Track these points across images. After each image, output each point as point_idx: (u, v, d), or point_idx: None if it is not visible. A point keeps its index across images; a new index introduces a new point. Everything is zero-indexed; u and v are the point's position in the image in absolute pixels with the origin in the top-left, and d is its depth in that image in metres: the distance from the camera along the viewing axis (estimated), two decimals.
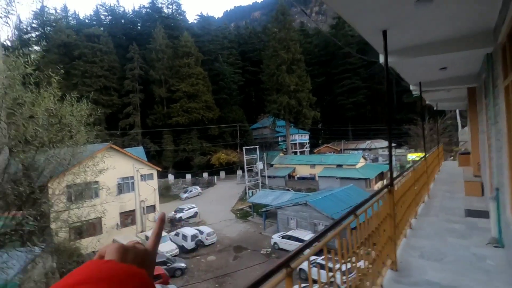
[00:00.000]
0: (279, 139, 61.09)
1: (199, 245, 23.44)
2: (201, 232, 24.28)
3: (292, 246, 21.08)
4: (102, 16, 68.84)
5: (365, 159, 42.67)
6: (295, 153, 56.74)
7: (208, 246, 23.75)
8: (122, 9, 72.39)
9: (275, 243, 22.35)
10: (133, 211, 26.13)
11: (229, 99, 60.06)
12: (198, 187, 43.23)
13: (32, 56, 7.39)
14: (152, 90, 53.84)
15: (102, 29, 59.11)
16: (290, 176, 44.57)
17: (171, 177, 47.15)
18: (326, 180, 37.75)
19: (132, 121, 52.24)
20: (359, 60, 64.03)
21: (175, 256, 21.37)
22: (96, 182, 20.49)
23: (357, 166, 38.33)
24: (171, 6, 68.79)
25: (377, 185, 37.94)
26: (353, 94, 62.88)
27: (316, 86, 60.49)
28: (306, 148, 61.57)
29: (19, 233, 7.78)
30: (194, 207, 32.45)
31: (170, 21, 65.50)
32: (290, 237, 21.56)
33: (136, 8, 74.68)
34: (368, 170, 37.59)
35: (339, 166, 40.03)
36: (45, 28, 57.13)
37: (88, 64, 50.32)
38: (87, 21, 66.62)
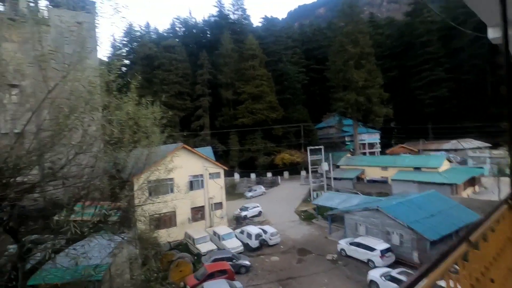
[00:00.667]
0: (346, 139, 57.75)
1: (263, 244, 23.59)
2: (265, 232, 24.41)
3: (362, 254, 19.46)
4: (177, 28, 75.82)
5: (449, 161, 37.01)
6: (364, 153, 52.82)
7: (272, 246, 23.72)
8: (193, 20, 78.42)
9: (342, 249, 21.00)
10: (203, 207, 27.84)
11: (293, 98, 59.47)
12: (262, 187, 43.88)
13: (123, 68, 8.32)
14: (220, 93, 56.92)
15: (177, 40, 65.09)
16: (359, 179, 41.62)
17: (236, 176, 49.04)
18: (400, 184, 34.02)
19: (202, 123, 56.11)
20: (441, 48, 56.08)
21: (240, 253, 21.93)
22: (171, 179, 22.57)
23: (440, 170, 33.48)
24: (237, 12, 71.66)
25: (467, 193, 32.47)
26: (434, 88, 55.16)
27: (388, 80, 55.19)
28: (377, 148, 56.73)
29: (107, 222, 8.72)
30: (258, 206, 32.94)
31: (236, 26, 68.29)
32: (359, 245, 19.96)
33: (206, 18, 79.91)
34: (455, 174, 32.47)
35: (417, 169, 35.60)
36: (132, 44, 65.82)
37: (165, 72, 56.01)
38: (165, 34, 74.25)
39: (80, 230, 5.29)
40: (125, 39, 66.53)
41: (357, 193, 33.36)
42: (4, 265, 6.00)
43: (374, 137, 56.83)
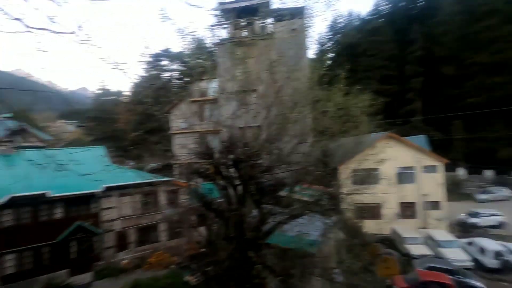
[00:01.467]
0: None
1: (506, 267, 17.37)
2: (510, 251, 17.87)
3: None
4: (382, 8, 70.16)
5: None
6: None
7: None
8: None
9: None
10: (413, 203, 24.54)
11: None
12: (506, 189, 32.36)
13: (326, 62, 8.80)
14: (436, 71, 47.09)
15: (382, 20, 60.31)
16: None
17: (461, 171, 39.04)
18: None
19: (413, 108, 49.14)
20: None
21: (467, 269, 17.38)
22: (376, 169, 21.52)
23: None
24: None
25: None
26: None
27: None
28: None
29: (319, 204, 9.56)
30: (498, 214, 24.64)
31: None
32: None
33: None
34: None
35: None
36: (336, 36, 68.34)
37: (369, 58, 53.78)
38: (368, 17, 70.97)
39: (300, 208, 6.19)
40: (329, 33, 70.25)
41: None
42: (252, 224, 8.08)
43: None
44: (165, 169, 33.17)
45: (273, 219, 7.48)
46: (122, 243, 20.12)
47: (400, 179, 24.46)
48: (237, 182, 7.40)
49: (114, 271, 18.49)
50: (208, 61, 7.06)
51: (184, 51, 6.41)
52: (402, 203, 24.45)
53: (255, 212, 9.01)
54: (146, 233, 20.99)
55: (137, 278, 16.70)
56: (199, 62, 6.81)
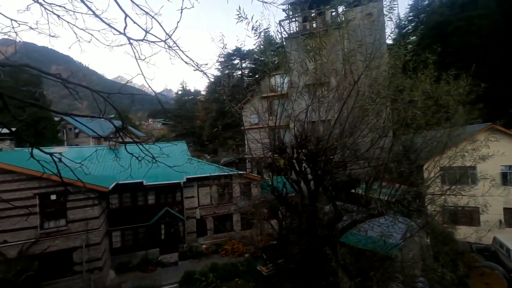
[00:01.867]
0: None
1: None
2: None
3: None
4: None
5: None
6: None
7: None
8: None
9: None
10: None
11: None
12: None
13: (409, 46, 7.83)
14: None
15: None
16: None
17: None
18: None
19: None
20: None
21: None
22: (474, 167, 18.35)
23: None
24: None
25: None
26: None
27: None
28: None
29: (402, 205, 8.71)
30: None
31: None
32: None
33: None
34: None
35: None
36: (419, 16, 60.32)
37: (462, 37, 45.91)
38: None
39: (380, 207, 5.71)
40: (410, 14, 62.47)
41: None
42: (324, 221, 7.87)
43: None
44: (239, 163, 34.96)
45: (349, 217, 7.13)
46: (201, 229, 22.14)
47: (506, 180, 20.39)
48: (310, 177, 7.28)
49: (195, 254, 20.50)
50: (279, 56, 7.07)
51: (255, 48, 6.56)
52: (507, 209, 20.37)
53: (328, 208, 8.74)
54: (222, 222, 22.59)
55: (214, 262, 18.16)
56: (270, 58, 6.88)
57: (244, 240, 20.79)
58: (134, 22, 5.69)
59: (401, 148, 8.05)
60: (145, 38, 5.57)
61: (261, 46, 6.51)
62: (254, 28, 5.50)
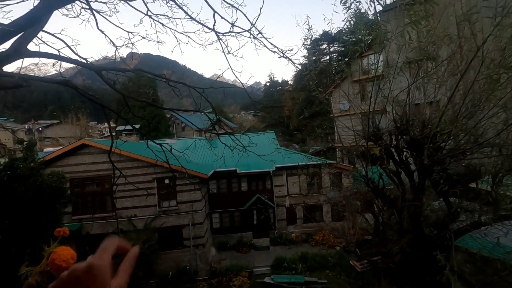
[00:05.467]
0: None
1: None
2: None
3: None
4: None
5: None
6: None
7: None
8: None
9: None
10: None
11: None
12: None
13: None
14: None
15: None
16: None
17: None
18: None
19: None
20: None
21: None
22: None
23: None
24: None
25: None
26: None
27: None
28: None
29: None
30: None
31: None
32: None
33: None
34: None
35: None
36: None
37: None
38: None
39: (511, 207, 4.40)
40: None
41: None
42: (432, 219, 6.71)
43: None
44: (328, 151, 33.75)
45: (468, 217, 5.82)
46: (291, 217, 22.46)
47: None
48: (413, 167, 6.25)
49: (285, 241, 21.00)
50: (372, 33, 6.20)
51: (345, 25, 5.91)
52: None
53: (437, 205, 7.41)
54: (311, 212, 22.35)
55: (304, 251, 18.18)
56: (361, 37, 6.10)
57: (335, 232, 20.03)
58: (222, 17, 5.97)
59: None
60: (232, 30, 5.78)
61: (351, 22, 5.83)
62: (343, 0, 4.92)
